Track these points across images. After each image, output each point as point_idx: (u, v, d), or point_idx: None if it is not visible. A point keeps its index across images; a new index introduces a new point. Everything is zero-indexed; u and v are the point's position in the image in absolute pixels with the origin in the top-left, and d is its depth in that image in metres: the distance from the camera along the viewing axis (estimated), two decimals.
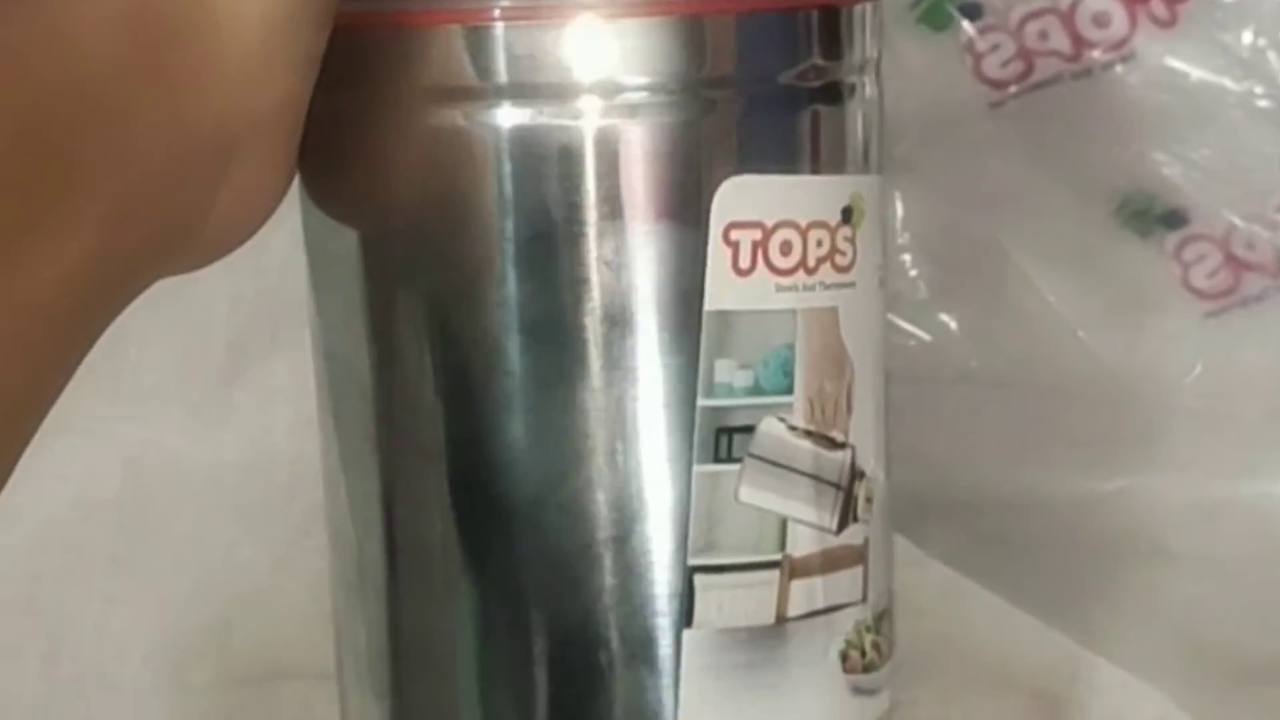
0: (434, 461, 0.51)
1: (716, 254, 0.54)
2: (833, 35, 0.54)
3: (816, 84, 0.55)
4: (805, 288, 0.56)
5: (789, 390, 0.56)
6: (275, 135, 0.44)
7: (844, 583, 0.57)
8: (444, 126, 0.51)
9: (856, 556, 0.57)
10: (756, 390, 0.55)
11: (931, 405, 0.61)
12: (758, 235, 0.54)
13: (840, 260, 0.56)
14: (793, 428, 0.56)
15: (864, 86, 0.55)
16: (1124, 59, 0.54)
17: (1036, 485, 0.61)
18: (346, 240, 0.52)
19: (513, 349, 0.51)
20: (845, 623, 0.57)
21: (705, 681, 0.55)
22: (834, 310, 0.56)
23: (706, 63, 0.53)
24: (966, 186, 0.58)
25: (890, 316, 0.59)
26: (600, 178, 0.52)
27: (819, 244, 0.56)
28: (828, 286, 0.56)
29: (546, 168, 0.51)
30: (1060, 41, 0.55)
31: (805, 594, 0.56)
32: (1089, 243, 0.57)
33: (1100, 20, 0.54)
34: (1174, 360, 0.57)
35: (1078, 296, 0.57)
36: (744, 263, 0.54)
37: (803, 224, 0.55)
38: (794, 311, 0.55)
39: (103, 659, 0.68)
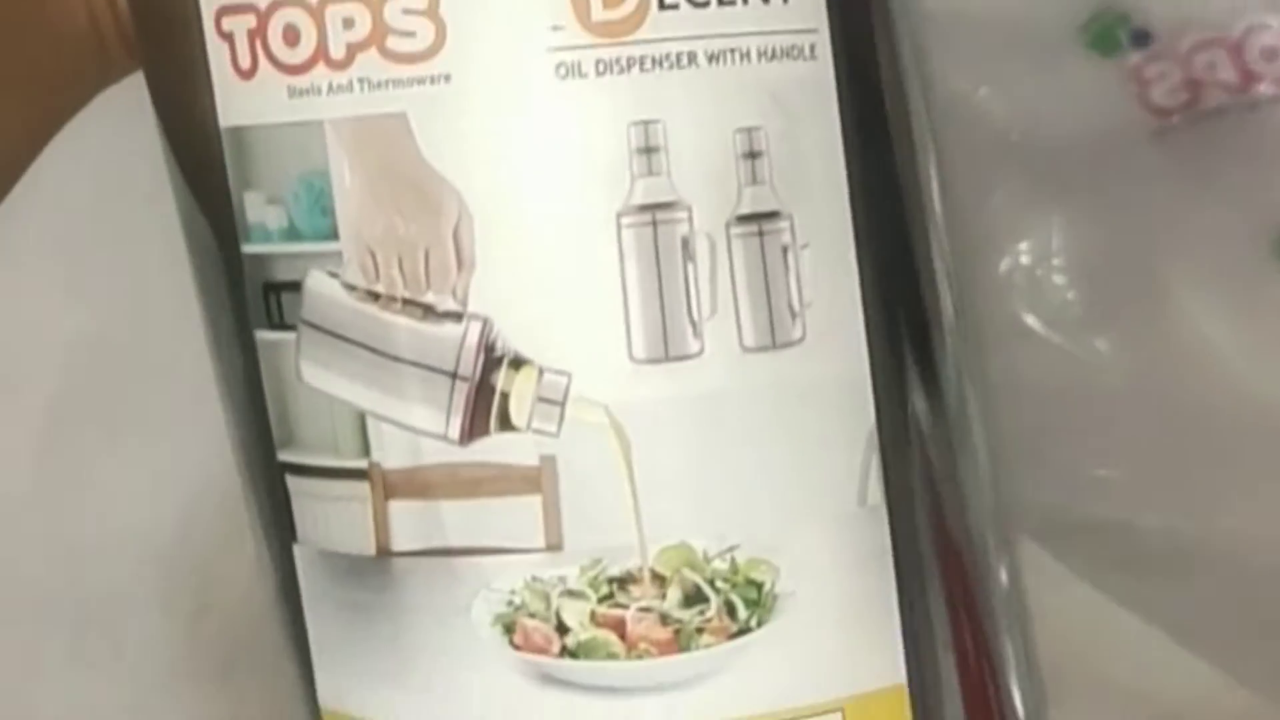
0: None
1: (216, 53, 0.39)
2: None
3: None
4: (335, 89, 0.38)
5: (331, 234, 0.39)
6: None
7: (497, 518, 0.39)
8: None
9: (523, 482, 0.39)
10: (293, 233, 0.40)
11: (1083, 424, 0.55)
12: (252, 22, 0.38)
13: (405, 45, 0.38)
14: (349, 286, 0.39)
15: None
16: None
17: (1188, 510, 0.54)
18: None
19: None
20: (508, 577, 0.39)
21: (326, 612, 0.41)
22: (402, 119, 0.38)
23: None
24: (1126, 212, 0.55)
25: (1045, 332, 0.56)
26: None
27: (349, 25, 0.38)
28: (380, 86, 0.38)
29: None
30: (1228, 73, 0.53)
31: (417, 523, 0.40)
32: (1248, 274, 0.53)
33: (1269, 54, 0.52)
34: None
35: (1234, 328, 0.53)
36: (244, 61, 0.39)
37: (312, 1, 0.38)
38: (319, 124, 0.38)
39: None
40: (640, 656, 0.39)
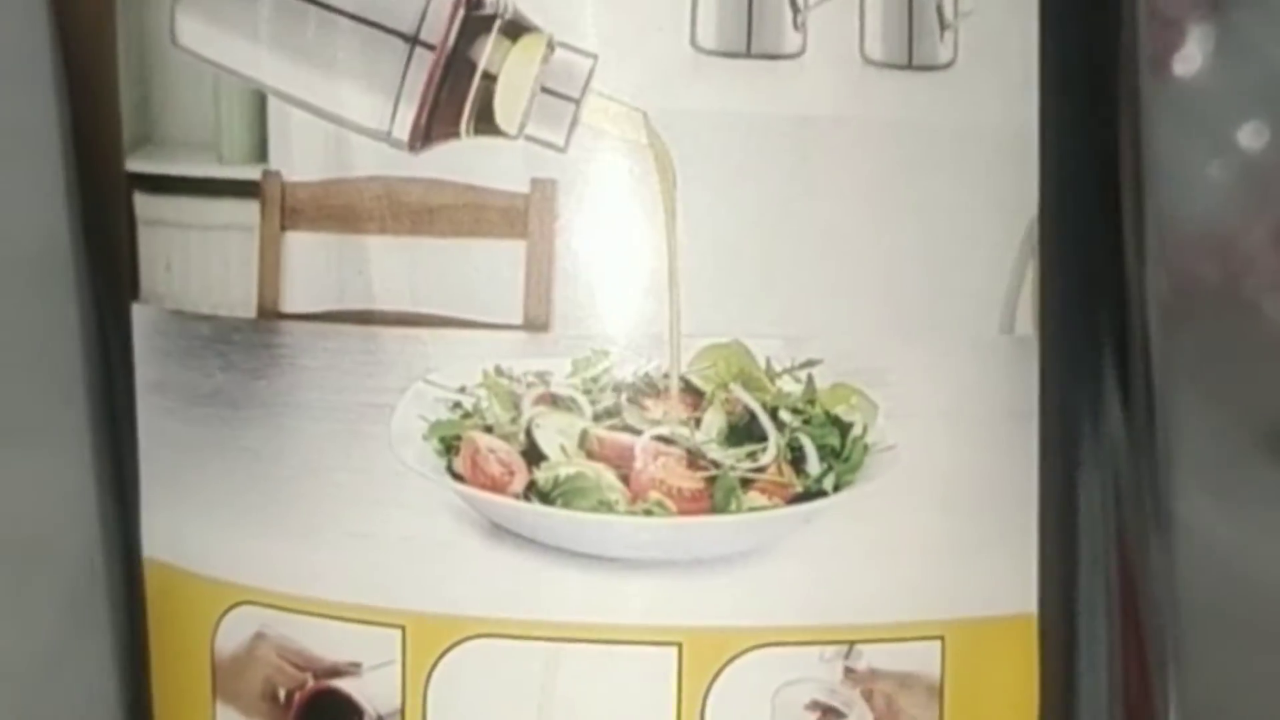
0: None
1: None
2: None
3: None
4: None
5: None
6: None
7: (454, 271, 0.25)
8: None
9: (502, 218, 0.25)
10: None
11: None
12: None
13: None
14: None
15: None
16: None
17: None
18: None
19: None
20: (458, 365, 0.25)
21: (168, 408, 0.27)
22: None
23: None
24: None
25: None
26: None
27: None
28: None
29: None
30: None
31: (327, 269, 0.26)
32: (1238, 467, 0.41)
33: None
34: None
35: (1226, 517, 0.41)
36: None
37: None
38: None
39: None
40: (650, 512, 0.25)
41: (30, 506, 0.32)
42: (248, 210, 0.26)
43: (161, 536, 0.27)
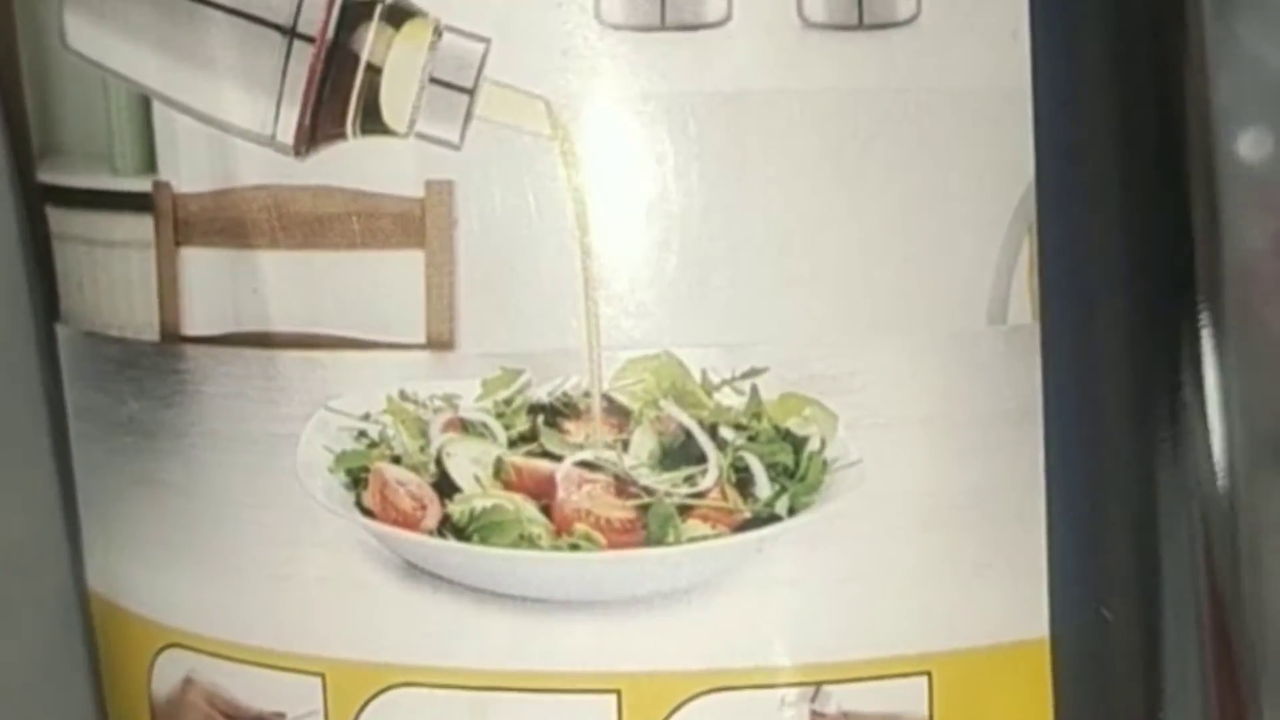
0: None
1: None
2: None
3: None
4: None
5: None
6: None
7: (351, 287, 0.23)
8: None
9: (397, 226, 0.22)
10: None
11: None
12: None
13: None
14: None
15: None
16: None
17: None
18: None
19: None
20: (362, 389, 0.23)
21: (94, 435, 0.25)
22: None
23: None
24: None
25: None
26: None
27: None
28: None
29: None
30: None
31: (222, 288, 0.23)
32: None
33: None
34: None
35: None
36: None
37: None
38: None
39: None
40: (576, 546, 0.22)
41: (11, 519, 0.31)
42: (143, 225, 0.23)
43: (99, 570, 0.26)
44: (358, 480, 0.23)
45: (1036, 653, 0.23)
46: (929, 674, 0.23)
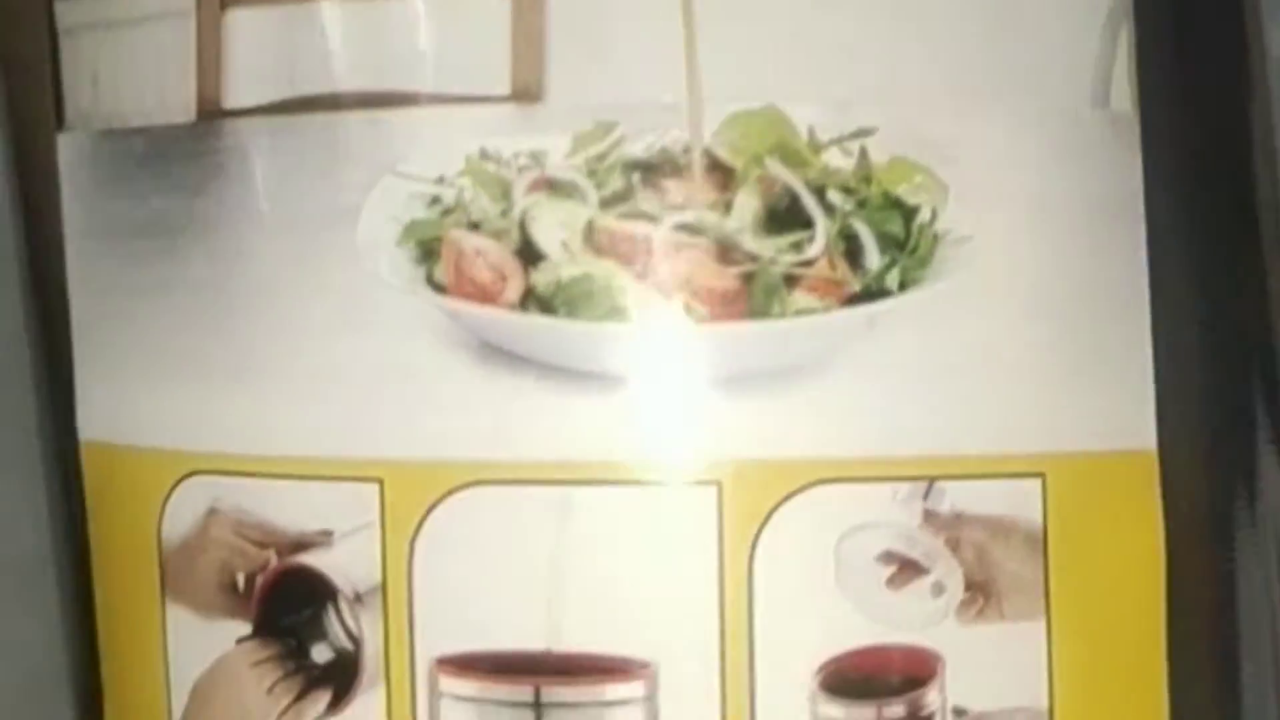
0: None
1: None
2: None
3: None
4: None
5: None
6: None
7: (424, 37, 0.21)
8: None
9: None
10: None
11: None
12: None
13: None
14: None
15: None
16: None
17: None
18: None
19: None
20: (436, 149, 0.21)
21: (99, 251, 0.23)
22: None
23: None
24: None
25: None
26: None
27: None
28: None
29: None
30: None
31: (276, 51, 0.21)
32: None
33: None
34: None
35: None
36: None
37: None
38: None
39: None
40: (674, 319, 0.20)
41: None
42: None
43: (99, 413, 0.23)
44: (429, 252, 0.21)
45: (1146, 464, 0.22)
46: (1042, 476, 0.21)
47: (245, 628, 0.22)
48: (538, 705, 0.20)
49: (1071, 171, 0.21)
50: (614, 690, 0.20)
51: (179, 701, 0.22)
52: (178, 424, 0.22)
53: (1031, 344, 0.21)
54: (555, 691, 0.20)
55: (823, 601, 0.20)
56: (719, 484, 0.20)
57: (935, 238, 0.21)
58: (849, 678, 0.20)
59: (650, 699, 0.20)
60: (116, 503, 0.23)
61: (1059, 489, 0.21)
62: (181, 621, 0.22)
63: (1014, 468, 0.21)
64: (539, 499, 0.20)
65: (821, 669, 0.20)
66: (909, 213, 0.21)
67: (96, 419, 0.23)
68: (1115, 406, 0.22)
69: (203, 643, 0.22)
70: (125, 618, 0.23)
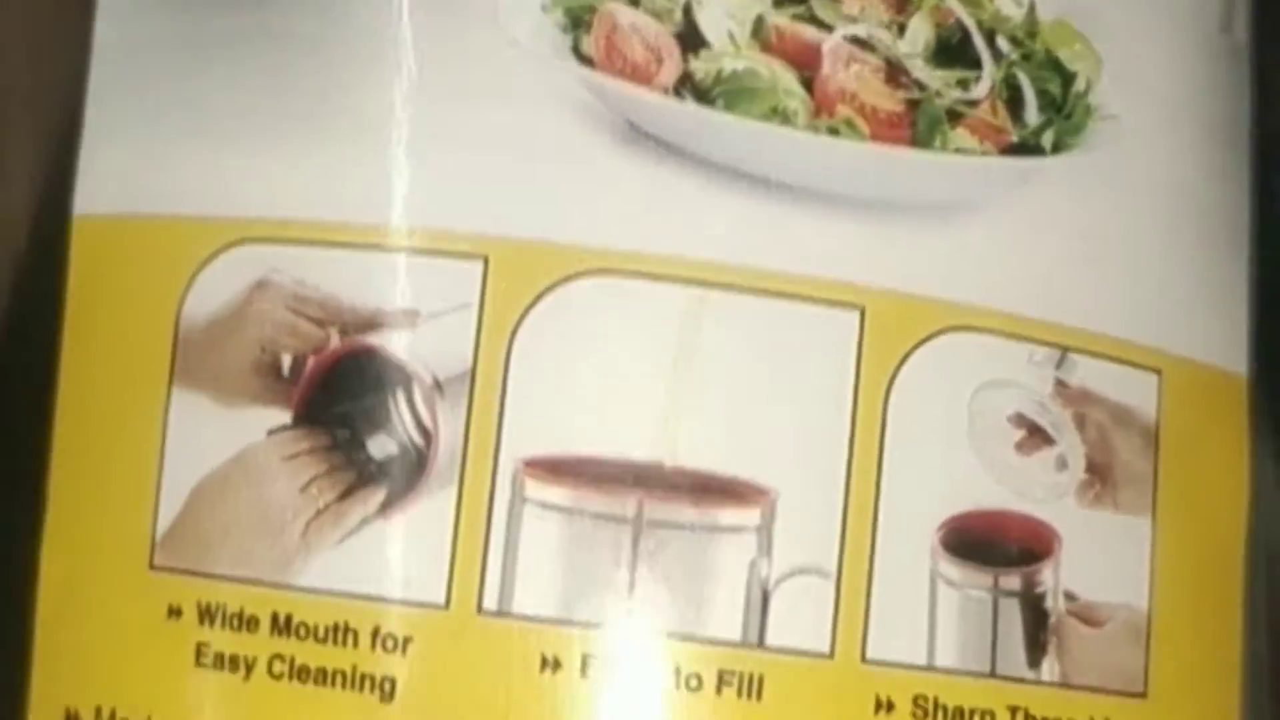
0: None
1: None
2: None
3: None
4: None
5: None
6: None
7: None
8: None
9: None
10: None
11: None
12: None
13: None
14: None
15: None
16: None
17: None
18: None
19: None
20: None
21: None
22: None
23: None
24: None
25: None
26: None
27: None
28: None
29: None
30: None
31: None
32: None
33: None
34: None
35: None
36: None
37: None
38: None
39: None
40: (836, 131, 0.19)
41: None
42: None
43: (109, 185, 0.20)
44: (578, 22, 0.19)
45: (1238, 388, 0.21)
46: (1159, 372, 0.20)
47: (282, 416, 0.19)
48: (639, 521, 0.18)
49: (1200, 86, 0.21)
50: (727, 515, 0.18)
51: (171, 505, 0.19)
52: (225, 189, 0.19)
53: (1161, 237, 0.20)
54: (661, 508, 0.18)
55: (953, 454, 0.19)
56: (861, 310, 0.19)
57: (1088, 109, 0.20)
58: (968, 540, 0.19)
59: (764, 528, 0.18)
60: (118, 282, 0.20)
61: (1173, 389, 0.20)
62: (192, 409, 0.19)
63: (1136, 357, 0.20)
64: (669, 297, 0.18)
65: (943, 525, 0.19)
66: (1068, 77, 0.20)
67: (103, 191, 0.20)
68: (1217, 325, 0.21)
69: (218, 434, 0.19)
70: (103, 410, 0.20)
